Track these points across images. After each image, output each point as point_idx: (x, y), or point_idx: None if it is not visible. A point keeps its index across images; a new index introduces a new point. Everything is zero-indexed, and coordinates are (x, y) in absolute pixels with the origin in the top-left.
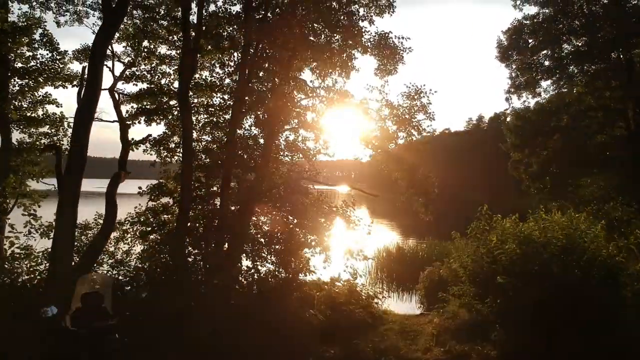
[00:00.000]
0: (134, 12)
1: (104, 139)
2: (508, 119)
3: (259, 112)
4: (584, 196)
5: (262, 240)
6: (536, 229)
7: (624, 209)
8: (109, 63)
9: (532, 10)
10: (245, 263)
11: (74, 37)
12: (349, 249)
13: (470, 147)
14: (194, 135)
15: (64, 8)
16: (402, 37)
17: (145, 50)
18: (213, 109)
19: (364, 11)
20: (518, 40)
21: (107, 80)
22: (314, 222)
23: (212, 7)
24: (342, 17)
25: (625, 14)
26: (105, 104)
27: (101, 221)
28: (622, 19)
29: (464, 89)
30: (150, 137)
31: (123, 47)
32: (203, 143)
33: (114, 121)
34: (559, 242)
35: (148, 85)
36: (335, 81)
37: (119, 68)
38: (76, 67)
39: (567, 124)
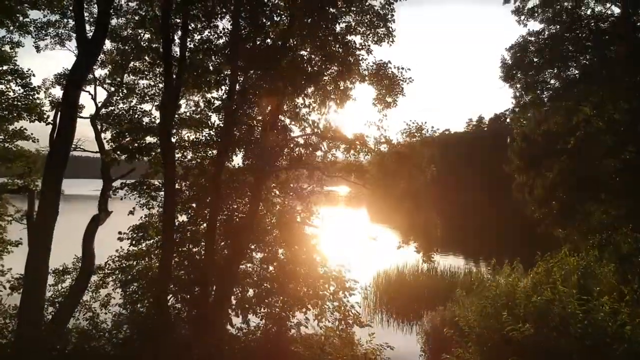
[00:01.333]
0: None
1: None
2: (508, 120)
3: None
4: (592, 224)
5: (252, 291)
6: (551, 297)
7: (634, 238)
8: (91, 88)
9: (537, 26)
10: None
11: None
12: (343, 310)
13: (471, 148)
14: (180, 171)
15: (43, 32)
16: (402, 68)
17: (125, 86)
18: (200, 146)
19: (362, 39)
20: (523, 58)
21: (88, 107)
22: (308, 276)
23: (197, 36)
24: (337, 47)
25: (635, 29)
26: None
27: (80, 264)
28: (632, 35)
29: (464, 88)
30: (129, 182)
31: (106, 73)
32: (191, 179)
33: (95, 152)
34: (578, 322)
35: (128, 125)
36: (329, 123)
37: (101, 94)
38: (57, 92)
39: (574, 147)
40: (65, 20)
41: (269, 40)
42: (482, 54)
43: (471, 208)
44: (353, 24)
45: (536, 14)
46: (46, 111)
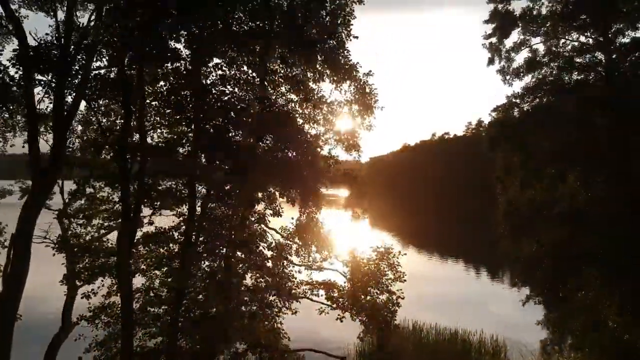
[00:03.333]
0: None
1: None
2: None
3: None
4: (578, 301)
5: None
6: None
7: (618, 316)
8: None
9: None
10: None
11: None
12: None
13: (471, 152)
14: (145, 284)
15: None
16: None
17: (84, 214)
18: (165, 260)
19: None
20: (506, 129)
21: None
22: None
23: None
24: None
25: (624, 97)
26: None
27: None
28: (620, 106)
29: (464, 90)
30: (87, 316)
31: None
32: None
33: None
34: None
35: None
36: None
37: None
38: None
39: (558, 217)
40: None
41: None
42: (478, 56)
43: (471, 215)
44: (322, 131)
45: (521, 74)
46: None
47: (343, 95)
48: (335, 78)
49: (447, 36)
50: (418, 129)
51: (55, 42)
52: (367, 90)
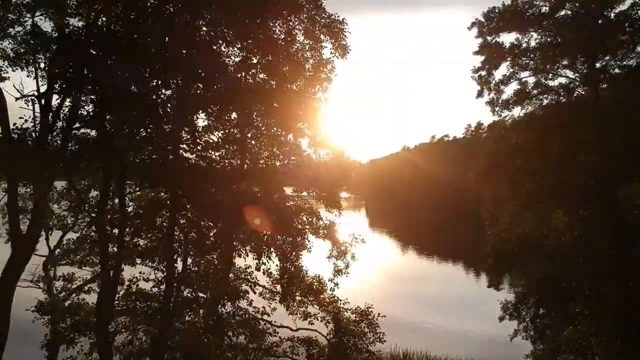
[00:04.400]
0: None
1: None
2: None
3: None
4: (562, 341)
5: None
6: None
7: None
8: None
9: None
10: None
11: None
12: None
13: (470, 154)
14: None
15: None
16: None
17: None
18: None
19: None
20: (496, 162)
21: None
22: None
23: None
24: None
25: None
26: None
27: None
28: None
29: (464, 91)
30: None
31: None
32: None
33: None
34: None
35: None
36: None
37: None
38: None
39: (546, 254)
40: None
41: None
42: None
43: (471, 217)
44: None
45: (511, 106)
46: None
47: (322, 159)
48: (312, 142)
49: (447, 36)
50: (417, 131)
51: (33, 127)
52: (344, 158)
